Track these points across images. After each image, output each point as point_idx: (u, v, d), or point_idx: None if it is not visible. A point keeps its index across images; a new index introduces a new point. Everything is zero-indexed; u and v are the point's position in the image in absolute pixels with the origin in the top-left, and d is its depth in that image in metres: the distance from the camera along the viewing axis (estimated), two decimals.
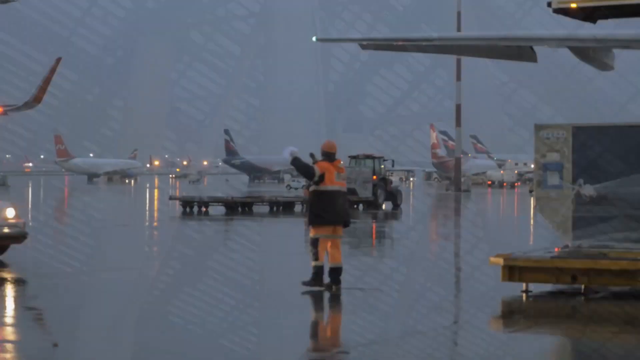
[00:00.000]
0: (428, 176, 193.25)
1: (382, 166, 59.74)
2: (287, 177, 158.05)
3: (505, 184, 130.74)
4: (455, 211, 57.63)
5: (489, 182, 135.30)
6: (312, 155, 18.28)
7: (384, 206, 56.61)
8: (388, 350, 12.58)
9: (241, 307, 16.42)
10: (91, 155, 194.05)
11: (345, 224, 17.81)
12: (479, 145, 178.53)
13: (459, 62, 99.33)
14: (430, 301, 16.93)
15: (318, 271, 17.41)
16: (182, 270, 21.95)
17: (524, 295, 17.04)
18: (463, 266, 20.20)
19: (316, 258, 17.44)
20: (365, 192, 56.36)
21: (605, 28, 29.37)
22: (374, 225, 39.58)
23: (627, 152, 17.49)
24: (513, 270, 17.11)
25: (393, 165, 68.69)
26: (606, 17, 17.56)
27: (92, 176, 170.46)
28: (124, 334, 13.70)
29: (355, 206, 57.08)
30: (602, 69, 33.42)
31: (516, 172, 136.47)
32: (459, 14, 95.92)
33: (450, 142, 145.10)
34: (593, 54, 32.21)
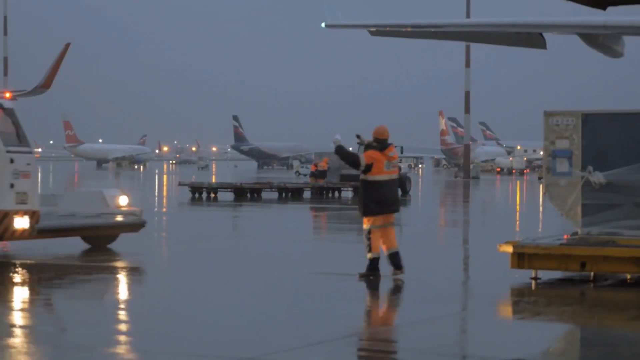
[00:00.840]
0: (437, 163, 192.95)
1: None
2: (295, 163, 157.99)
3: (514, 170, 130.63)
4: (464, 198, 57.60)
5: (498, 169, 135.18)
6: (358, 136, 18.03)
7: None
8: (396, 336, 12.59)
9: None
10: (100, 140, 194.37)
11: (395, 211, 17.57)
12: (488, 132, 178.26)
13: (468, 48, 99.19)
14: (439, 288, 16.92)
15: (373, 262, 17.22)
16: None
17: (533, 282, 17.04)
18: (472, 253, 20.19)
19: (370, 249, 17.24)
20: None
21: (616, 15, 29.27)
22: None
23: (637, 139, 17.44)
24: (522, 258, 17.11)
25: (402, 152, 68.63)
26: (616, 3, 17.46)
27: (101, 162, 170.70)
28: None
29: None
30: (612, 56, 33.32)
31: (525, 159, 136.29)
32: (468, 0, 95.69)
33: (459, 129, 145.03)
34: (603, 40, 32.11)
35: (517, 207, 48.15)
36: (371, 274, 17.21)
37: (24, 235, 19.65)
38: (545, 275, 17.38)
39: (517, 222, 34.86)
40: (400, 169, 60.40)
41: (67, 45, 24.31)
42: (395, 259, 17.35)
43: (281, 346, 11.77)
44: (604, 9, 17.46)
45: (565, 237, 17.98)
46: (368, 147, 17.69)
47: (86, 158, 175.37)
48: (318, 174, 58.91)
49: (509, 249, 17.15)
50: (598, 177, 17.52)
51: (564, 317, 14.29)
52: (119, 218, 21.79)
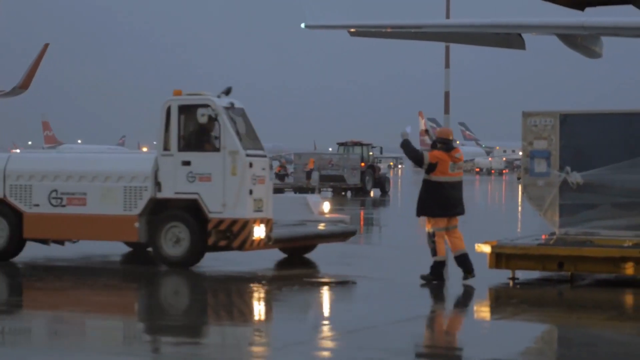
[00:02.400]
0: None
1: (371, 153, 59.82)
2: (275, 163, 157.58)
3: (493, 171, 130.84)
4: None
5: (477, 170, 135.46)
6: (426, 132, 17.77)
7: (372, 193, 56.64)
8: (375, 336, 12.59)
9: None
10: (79, 141, 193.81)
11: (458, 214, 17.14)
12: (467, 132, 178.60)
13: (447, 49, 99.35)
14: (417, 288, 16.94)
15: (437, 265, 16.89)
16: None
17: (511, 282, 17.08)
18: (450, 253, 20.16)
19: (434, 253, 16.93)
20: (354, 179, 56.42)
21: (594, 16, 29.39)
22: (361, 213, 39.59)
23: (615, 140, 17.52)
24: (500, 258, 17.15)
25: (381, 152, 68.81)
26: (594, 4, 17.53)
27: None
28: None
29: (343, 193, 57.11)
30: (591, 56, 33.44)
31: (504, 159, 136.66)
32: (447, 0, 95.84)
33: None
34: (581, 41, 32.23)
35: (496, 208, 48.24)
36: (434, 278, 16.85)
37: (260, 245, 18.23)
38: (524, 275, 17.43)
39: (496, 222, 34.93)
40: (379, 169, 60.71)
41: (46, 46, 24.25)
42: (463, 262, 16.96)
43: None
44: (582, 9, 17.53)
45: (543, 237, 18.05)
46: (433, 147, 17.43)
47: None
48: (307, 174, 58.79)
49: (487, 249, 17.19)
50: (576, 178, 17.58)
51: (542, 317, 14.33)
52: (330, 226, 20.35)
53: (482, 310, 15.27)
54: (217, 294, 16.36)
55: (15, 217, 19.37)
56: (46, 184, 19.21)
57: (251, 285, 16.89)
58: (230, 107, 18.61)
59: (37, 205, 19.24)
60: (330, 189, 56.26)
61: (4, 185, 19.55)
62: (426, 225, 17.20)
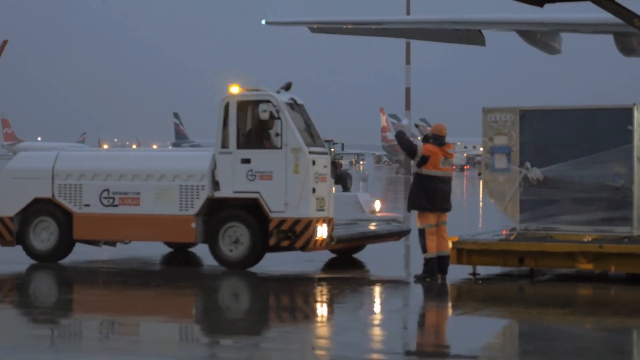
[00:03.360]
0: (378, 159, 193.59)
1: (332, 149, 59.83)
2: None
3: (454, 167, 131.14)
4: (404, 194, 57.80)
5: None
6: (417, 126, 17.56)
7: (334, 189, 56.61)
8: (337, 334, 12.61)
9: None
10: (39, 138, 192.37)
11: (447, 210, 17.09)
12: (428, 128, 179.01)
13: (408, 45, 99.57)
14: (378, 284, 16.96)
15: (429, 263, 16.82)
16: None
17: (472, 277, 17.15)
18: (412, 249, 20.25)
19: (425, 250, 16.86)
20: None
21: (553, 12, 29.56)
22: None
23: (574, 135, 17.62)
24: (461, 253, 17.22)
25: (343, 149, 68.83)
26: (553, 1, 17.64)
27: None
28: None
29: None
30: (550, 52, 33.64)
31: (465, 155, 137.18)
32: None
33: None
34: (540, 37, 32.42)
35: (457, 203, 48.38)
36: (427, 276, 16.77)
37: (322, 245, 17.75)
38: (485, 270, 17.50)
39: (457, 218, 35.02)
40: (341, 165, 60.70)
41: (5, 42, 23.96)
42: (443, 263, 16.90)
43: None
44: (542, 6, 17.64)
45: (504, 232, 18.13)
46: (425, 141, 17.35)
47: None
48: None
49: (449, 244, 17.23)
50: (536, 173, 17.67)
51: (503, 312, 14.41)
52: (384, 225, 19.81)
53: (443, 306, 15.31)
54: (276, 295, 15.99)
55: (64, 217, 18.70)
56: (97, 183, 18.57)
57: (313, 286, 16.64)
58: (292, 103, 18.12)
59: (87, 205, 18.56)
60: None
61: (53, 184, 18.84)
62: (417, 222, 17.13)
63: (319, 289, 16.39)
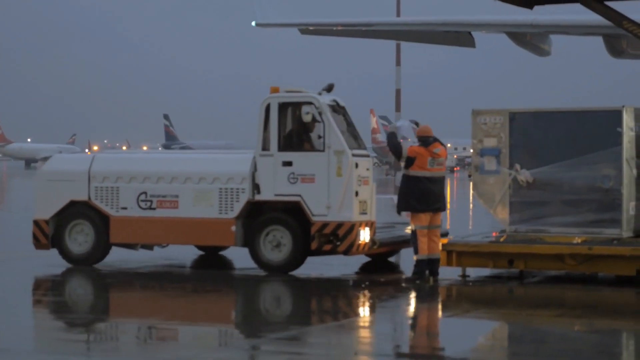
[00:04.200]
0: None
1: None
2: None
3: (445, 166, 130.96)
4: (395, 196, 57.74)
5: None
6: (417, 123, 17.50)
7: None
8: (325, 335, 12.60)
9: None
10: (29, 140, 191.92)
11: (439, 210, 17.02)
12: (414, 127, 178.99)
13: (398, 46, 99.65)
14: (368, 286, 16.97)
15: (419, 264, 16.80)
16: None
17: (462, 279, 17.16)
18: (402, 251, 20.25)
19: (416, 251, 16.84)
20: None
21: (543, 14, 29.60)
22: None
23: (563, 137, 17.65)
24: (451, 255, 17.24)
25: None
26: (543, 3, 17.68)
27: (29, 161, 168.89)
28: None
29: None
30: (540, 54, 33.69)
31: (455, 156, 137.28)
32: None
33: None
34: (530, 39, 32.46)
35: (447, 205, 48.40)
36: (417, 277, 16.75)
37: (365, 249, 17.53)
38: (474, 272, 17.52)
39: (447, 220, 35.05)
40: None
41: None
42: (432, 266, 16.87)
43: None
44: (531, 8, 17.68)
45: (493, 234, 18.16)
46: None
47: (14, 158, 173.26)
48: None
49: (439, 247, 17.24)
50: (525, 175, 17.70)
51: (493, 314, 14.42)
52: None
53: (433, 308, 15.32)
54: (318, 298, 15.93)
55: (100, 220, 18.51)
56: (135, 185, 18.35)
57: (355, 289, 16.56)
58: (334, 105, 17.92)
59: (124, 208, 18.36)
60: None
61: (89, 187, 18.65)
62: (410, 223, 17.11)
63: (355, 291, 16.35)
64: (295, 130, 17.83)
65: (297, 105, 17.74)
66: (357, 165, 17.47)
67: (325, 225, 17.31)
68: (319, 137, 17.63)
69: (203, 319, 13.93)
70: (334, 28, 36.05)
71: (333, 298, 15.89)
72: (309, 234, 17.39)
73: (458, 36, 33.59)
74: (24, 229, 20.40)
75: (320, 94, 17.85)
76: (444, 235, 18.19)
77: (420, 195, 16.92)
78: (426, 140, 17.22)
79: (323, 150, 17.46)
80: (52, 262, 18.82)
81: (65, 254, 18.72)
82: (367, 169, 17.92)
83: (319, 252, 17.54)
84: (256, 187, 17.72)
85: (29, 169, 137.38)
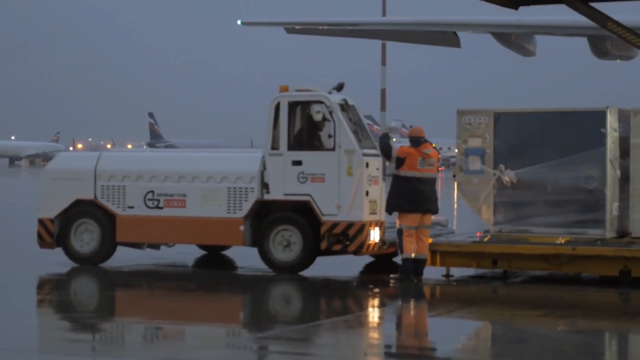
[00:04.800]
0: None
1: None
2: None
3: (438, 167, 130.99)
4: None
5: None
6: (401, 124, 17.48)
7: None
8: (309, 335, 12.60)
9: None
10: (13, 137, 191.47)
11: (429, 211, 16.95)
12: (403, 129, 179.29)
13: (384, 46, 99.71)
14: (352, 286, 16.97)
15: (404, 263, 16.76)
16: None
17: (446, 279, 17.18)
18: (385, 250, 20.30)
19: (401, 250, 16.80)
20: None
21: (528, 15, 29.67)
22: None
23: (548, 138, 17.68)
24: (435, 255, 17.25)
25: None
26: (528, 3, 17.71)
27: (13, 159, 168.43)
28: None
29: None
30: (525, 54, 33.78)
31: (440, 156, 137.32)
32: None
33: (376, 127, 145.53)
34: (515, 40, 32.53)
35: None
36: (403, 277, 16.74)
37: (374, 249, 17.44)
38: (458, 272, 17.54)
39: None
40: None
41: None
42: (418, 266, 16.82)
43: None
44: (516, 8, 17.71)
45: (477, 234, 18.18)
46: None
47: None
48: None
49: (427, 248, 17.24)
50: (510, 175, 17.72)
51: (476, 314, 14.44)
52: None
53: (417, 307, 15.33)
54: (325, 298, 15.90)
55: (107, 219, 18.33)
56: (141, 184, 18.16)
57: (360, 289, 16.57)
58: (343, 104, 17.77)
59: (131, 207, 18.18)
60: None
61: (95, 185, 18.45)
62: (396, 222, 17.08)
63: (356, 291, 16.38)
64: (305, 130, 17.73)
65: (307, 104, 17.61)
66: (367, 165, 17.40)
67: (335, 225, 17.19)
68: (329, 136, 17.55)
69: (208, 318, 13.87)
70: (320, 27, 36.07)
71: (320, 297, 15.89)
72: (318, 233, 17.28)
73: (443, 36, 33.65)
74: (10, 226, 20.36)
75: (330, 92, 17.79)
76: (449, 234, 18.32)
77: (410, 195, 16.89)
78: (417, 141, 17.23)
79: (333, 150, 17.37)
80: (59, 261, 18.66)
81: (70, 253, 18.57)
82: (377, 169, 17.80)
83: (328, 252, 17.44)
84: (265, 187, 17.61)
85: (12, 167, 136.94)
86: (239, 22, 37.41)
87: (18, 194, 51.10)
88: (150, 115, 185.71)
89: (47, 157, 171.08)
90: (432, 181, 17.18)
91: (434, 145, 17.69)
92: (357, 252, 17.27)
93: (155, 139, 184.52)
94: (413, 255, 16.88)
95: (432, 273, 17.29)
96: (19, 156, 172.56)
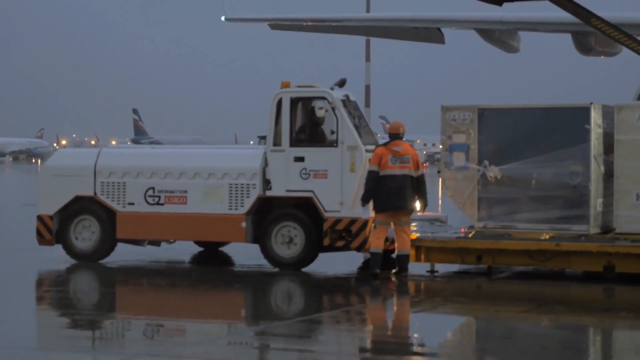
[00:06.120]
0: None
1: None
2: None
3: (417, 164, 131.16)
4: None
5: None
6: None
7: None
8: (291, 331, 12.60)
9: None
10: None
11: (400, 209, 16.82)
12: (387, 125, 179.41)
13: (368, 42, 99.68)
14: (336, 282, 16.98)
15: (372, 257, 16.71)
16: None
17: (430, 275, 17.20)
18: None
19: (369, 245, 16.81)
20: None
21: (512, 11, 29.71)
22: None
23: (532, 134, 17.70)
24: (419, 251, 17.27)
25: None
26: (512, 0, 17.72)
27: None
28: None
29: None
30: (509, 51, 33.79)
31: (425, 152, 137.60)
32: None
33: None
34: (499, 36, 32.55)
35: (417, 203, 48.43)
36: (372, 273, 16.67)
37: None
38: (443, 268, 17.56)
39: (415, 216, 35.09)
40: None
41: None
42: (401, 261, 16.81)
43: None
44: (500, 4, 17.71)
45: (462, 230, 18.20)
46: None
47: None
48: None
49: (408, 244, 17.25)
50: (494, 171, 17.74)
51: (461, 310, 14.46)
52: (426, 224, 19.04)
53: (401, 303, 15.35)
54: (327, 295, 15.86)
55: (106, 216, 18.25)
56: (142, 181, 18.07)
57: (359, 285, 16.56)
58: (346, 100, 17.69)
59: (131, 203, 18.08)
60: None
61: (95, 182, 18.35)
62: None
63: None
64: (307, 126, 17.68)
65: (309, 100, 17.57)
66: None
67: (338, 221, 17.13)
68: (332, 132, 17.50)
69: (210, 315, 13.86)
70: (304, 23, 36.01)
71: (310, 293, 15.90)
72: (321, 230, 17.22)
73: (428, 32, 33.61)
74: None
75: (332, 88, 17.72)
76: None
77: (382, 194, 16.80)
78: (393, 137, 17.17)
79: (336, 146, 17.34)
80: (59, 258, 18.54)
81: (70, 249, 18.49)
82: None
83: (331, 249, 17.41)
84: (267, 183, 17.57)
85: None
86: (222, 18, 37.35)
87: (3, 190, 50.90)
88: (135, 111, 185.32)
89: (31, 154, 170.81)
90: (403, 178, 16.97)
91: (419, 142, 17.67)
92: (359, 248, 17.22)
93: (139, 135, 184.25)
94: (397, 252, 16.86)
95: (417, 269, 17.31)
96: (3, 152, 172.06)
